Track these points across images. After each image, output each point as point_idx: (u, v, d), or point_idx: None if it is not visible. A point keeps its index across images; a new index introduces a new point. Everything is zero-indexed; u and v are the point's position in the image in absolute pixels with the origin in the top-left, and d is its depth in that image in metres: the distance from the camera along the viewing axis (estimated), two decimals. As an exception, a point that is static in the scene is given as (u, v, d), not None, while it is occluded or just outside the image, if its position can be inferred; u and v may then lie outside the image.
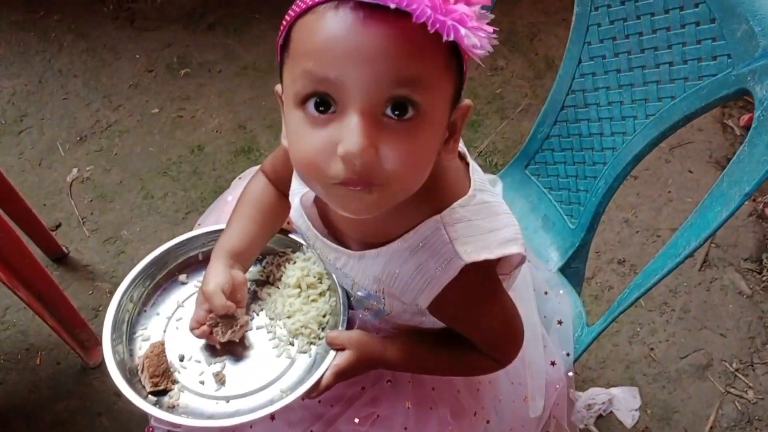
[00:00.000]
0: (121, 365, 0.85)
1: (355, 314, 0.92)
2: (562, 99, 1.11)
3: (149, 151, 1.98)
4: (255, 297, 0.96)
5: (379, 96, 0.60)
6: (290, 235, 0.99)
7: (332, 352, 0.86)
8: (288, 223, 0.99)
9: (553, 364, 1.03)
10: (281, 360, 0.90)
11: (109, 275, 1.76)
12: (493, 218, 0.78)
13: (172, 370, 0.88)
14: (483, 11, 0.60)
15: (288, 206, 0.95)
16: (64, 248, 1.78)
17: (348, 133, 0.60)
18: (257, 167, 1.04)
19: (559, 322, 1.06)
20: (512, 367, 0.91)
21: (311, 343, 0.91)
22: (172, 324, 0.93)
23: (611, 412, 1.57)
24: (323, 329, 0.91)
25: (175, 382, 0.87)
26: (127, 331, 0.90)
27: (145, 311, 0.94)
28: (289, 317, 0.92)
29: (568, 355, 1.05)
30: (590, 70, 1.05)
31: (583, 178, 1.12)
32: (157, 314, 0.94)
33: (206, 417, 0.83)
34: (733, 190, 0.79)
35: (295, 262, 0.97)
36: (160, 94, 2.09)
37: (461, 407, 0.96)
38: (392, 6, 0.56)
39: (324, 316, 0.92)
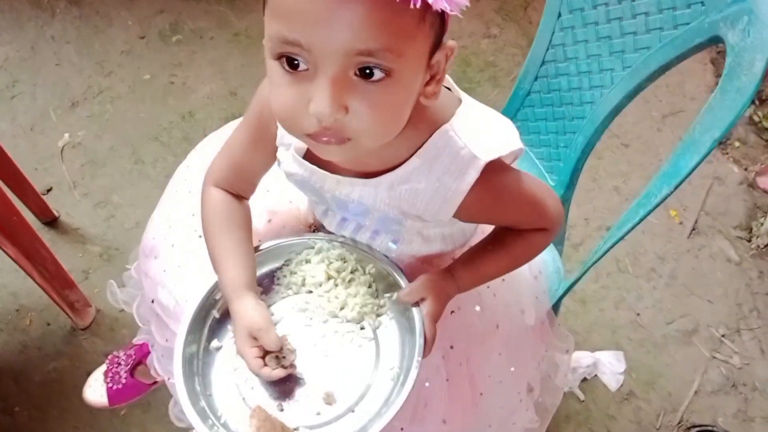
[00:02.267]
0: None
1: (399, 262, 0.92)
2: (542, 54, 1.10)
3: (140, 117, 1.98)
4: (295, 312, 0.91)
5: (347, 62, 0.63)
6: (280, 243, 0.95)
7: (415, 310, 0.85)
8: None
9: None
10: (365, 346, 0.87)
11: (100, 239, 1.77)
12: (490, 120, 0.83)
13: (284, 421, 0.82)
14: None
15: (248, 207, 0.96)
16: (55, 212, 1.79)
17: (318, 94, 0.64)
18: (196, 153, 1.07)
19: (535, 278, 1.07)
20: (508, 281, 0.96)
21: (378, 315, 0.89)
22: (244, 389, 0.86)
23: (596, 375, 1.58)
24: (379, 297, 0.90)
25: (296, 429, 0.82)
26: (215, 419, 0.83)
27: (210, 395, 0.86)
28: (343, 308, 0.89)
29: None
30: (569, 24, 1.05)
31: (563, 134, 1.12)
32: (224, 390, 0.86)
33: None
34: (705, 136, 0.79)
35: (308, 261, 0.93)
36: (151, 60, 2.08)
37: (478, 327, 0.99)
38: None
39: (370, 287, 0.91)
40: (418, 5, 0.59)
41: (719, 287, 1.73)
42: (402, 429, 0.92)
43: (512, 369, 1.01)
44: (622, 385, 1.57)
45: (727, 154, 1.97)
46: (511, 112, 1.21)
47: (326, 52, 0.62)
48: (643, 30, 0.93)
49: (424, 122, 0.77)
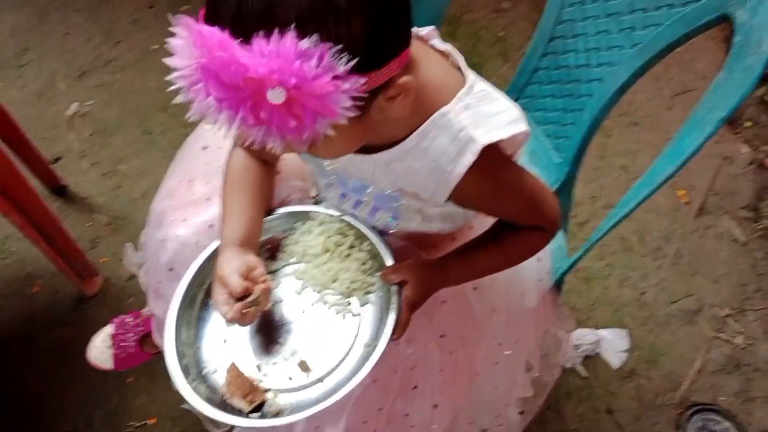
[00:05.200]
0: (213, 403, 0.83)
1: (393, 243, 0.93)
2: (551, 30, 1.09)
3: (149, 87, 1.98)
4: (293, 280, 0.94)
5: None
6: (292, 210, 0.98)
7: (394, 288, 0.87)
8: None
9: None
10: (349, 321, 0.90)
11: (107, 208, 1.78)
12: (495, 102, 0.80)
13: (257, 382, 0.87)
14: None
15: (272, 172, 0.96)
16: (63, 181, 1.80)
17: None
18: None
19: (539, 260, 1.07)
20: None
21: (367, 292, 0.91)
22: (231, 344, 0.91)
23: (598, 353, 1.59)
24: (370, 275, 0.92)
25: (266, 391, 0.86)
26: (196, 372, 0.88)
27: (199, 348, 0.91)
28: (335, 281, 0.92)
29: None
30: (579, -1, 1.04)
31: (570, 111, 1.11)
32: (212, 344, 0.92)
33: (314, 404, 0.81)
34: (710, 115, 0.79)
35: (311, 232, 0.96)
36: (160, 30, 2.08)
37: (474, 312, 0.99)
38: None
39: (365, 264, 0.92)
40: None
41: (724, 267, 1.73)
42: (381, 409, 0.93)
43: (508, 352, 1.02)
44: (624, 363, 1.58)
45: (739, 134, 1.95)
46: (518, 87, 1.20)
47: None
48: (653, 7, 0.92)
49: (424, 103, 0.76)
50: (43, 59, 2.04)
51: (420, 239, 0.98)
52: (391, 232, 0.95)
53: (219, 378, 0.88)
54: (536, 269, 1.06)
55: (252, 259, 0.88)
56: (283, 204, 1.01)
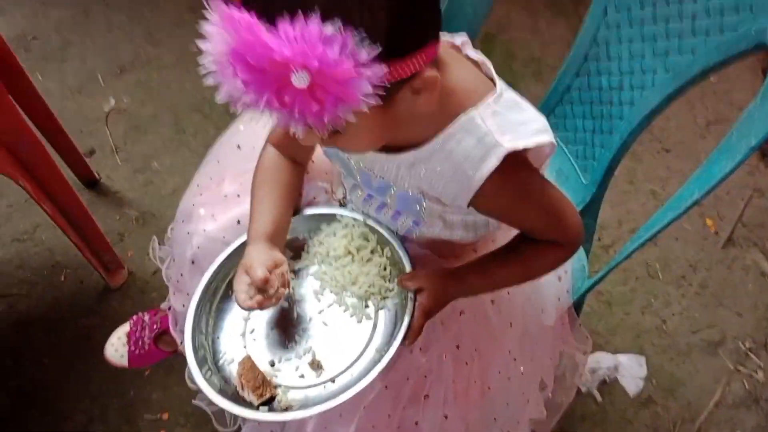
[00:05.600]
0: (225, 394, 0.85)
1: (413, 251, 0.94)
2: (585, 50, 1.09)
3: (185, 87, 2.01)
4: (312, 279, 0.97)
5: None
6: (318, 212, 1.00)
7: (410, 295, 0.87)
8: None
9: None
10: (364, 324, 0.91)
11: (137, 203, 1.81)
12: (523, 112, 0.81)
13: (269, 377, 0.88)
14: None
15: (302, 172, 0.98)
16: (96, 174, 1.84)
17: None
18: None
19: (560, 279, 1.07)
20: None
21: (384, 297, 0.92)
22: (248, 338, 0.93)
23: (616, 378, 1.57)
24: (389, 281, 0.93)
25: (277, 386, 0.88)
26: (212, 362, 0.91)
27: (218, 338, 0.94)
28: (354, 284, 0.93)
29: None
30: (615, 21, 1.04)
31: (600, 133, 1.11)
32: (230, 335, 0.94)
33: (322, 403, 0.83)
34: (741, 143, 0.78)
35: (335, 234, 0.97)
36: (199, 33, 2.10)
37: (490, 324, 0.99)
38: None
39: (385, 269, 0.94)
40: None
41: (749, 300, 1.70)
42: (391, 415, 0.93)
43: (522, 368, 1.01)
44: (641, 391, 1.56)
45: (770, 166, 1.93)
46: (549, 106, 1.20)
47: None
48: (689, 33, 0.92)
49: (452, 104, 0.77)
50: (85, 55, 2.08)
51: (442, 247, 0.99)
52: (413, 237, 0.96)
53: (233, 369, 0.90)
54: (556, 287, 1.05)
55: (278, 255, 0.90)
56: (309, 205, 1.02)
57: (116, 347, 1.45)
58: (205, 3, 0.61)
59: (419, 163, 0.82)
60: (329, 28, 0.57)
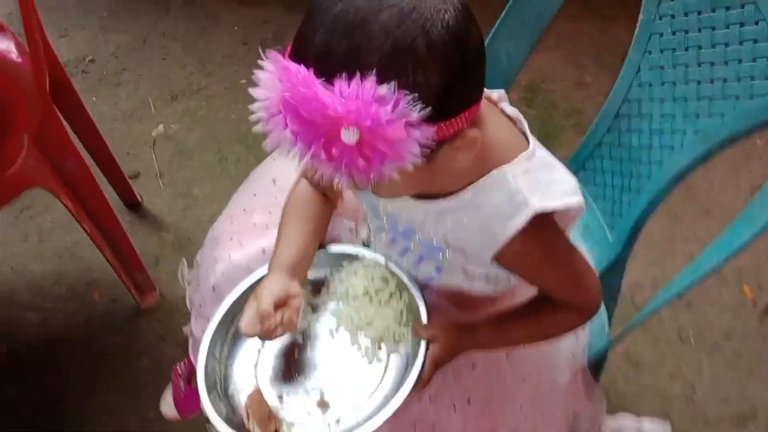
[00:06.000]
0: (231, 423, 0.86)
1: (430, 299, 0.94)
2: (618, 106, 1.09)
3: (231, 118, 2.07)
4: (329, 316, 0.97)
5: None
6: (341, 250, 1.00)
7: (423, 344, 0.87)
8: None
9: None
10: (375, 367, 0.91)
11: (175, 227, 1.86)
12: (554, 172, 0.82)
13: (275, 411, 0.89)
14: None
15: (331, 208, 1.00)
16: (138, 197, 1.89)
17: None
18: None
19: (576, 336, 1.05)
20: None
21: (398, 342, 0.92)
22: (259, 368, 0.94)
23: (638, 443, 1.52)
24: (405, 326, 0.93)
25: (282, 421, 0.88)
26: (221, 389, 0.92)
27: (231, 366, 0.95)
28: (368, 325, 0.93)
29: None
30: (648, 79, 1.04)
31: (628, 191, 1.10)
32: (242, 365, 0.95)
33: None
34: (763, 212, 0.77)
35: (356, 273, 0.97)
36: (250, 66, 2.12)
37: (503, 379, 0.99)
38: None
39: (401, 314, 0.93)
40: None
41: (786, 374, 1.64)
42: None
43: (533, 425, 0.99)
44: (663, 458, 1.51)
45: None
46: (580, 160, 1.20)
47: None
48: (719, 96, 0.91)
49: (486, 159, 0.77)
50: (139, 80, 2.17)
51: (460, 298, 0.98)
52: (433, 285, 0.96)
53: (242, 398, 0.90)
54: (572, 345, 1.04)
55: (295, 287, 0.91)
56: (333, 241, 1.04)
57: (167, 400, 1.47)
58: (261, 53, 0.63)
59: (447, 213, 0.83)
60: (383, 88, 0.58)
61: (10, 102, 1.22)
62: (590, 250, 1.18)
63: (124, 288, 1.66)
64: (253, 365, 0.94)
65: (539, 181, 0.78)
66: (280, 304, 0.87)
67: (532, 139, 0.82)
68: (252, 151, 1.99)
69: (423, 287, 0.94)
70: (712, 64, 0.92)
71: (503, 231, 0.78)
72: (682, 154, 0.98)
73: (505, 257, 0.82)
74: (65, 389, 1.56)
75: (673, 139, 1.00)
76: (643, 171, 1.06)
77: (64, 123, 1.51)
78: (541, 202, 0.76)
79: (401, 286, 0.94)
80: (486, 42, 1.12)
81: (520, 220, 0.76)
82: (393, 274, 0.95)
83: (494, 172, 0.77)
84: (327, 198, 1.00)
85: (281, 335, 0.88)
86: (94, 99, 2.09)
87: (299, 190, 1.00)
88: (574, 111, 2.12)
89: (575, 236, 1.20)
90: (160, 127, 2.06)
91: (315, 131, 0.60)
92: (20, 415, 1.53)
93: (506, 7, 1.11)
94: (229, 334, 0.96)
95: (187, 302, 1.20)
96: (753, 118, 0.86)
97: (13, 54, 1.26)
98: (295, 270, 0.92)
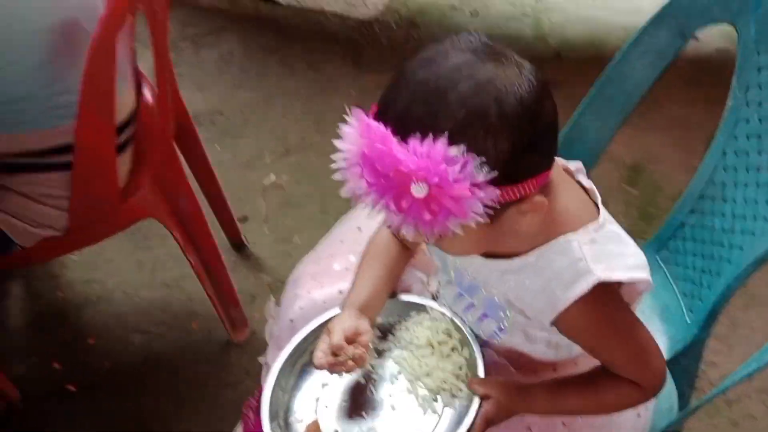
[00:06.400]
0: None
1: (489, 358, 0.97)
2: (701, 188, 1.10)
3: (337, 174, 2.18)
4: (392, 362, 1.01)
5: None
6: (411, 300, 1.05)
7: (476, 400, 0.90)
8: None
9: None
10: (428, 417, 0.94)
11: (273, 270, 1.96)
12: (622, 245, 0.83)
13: None
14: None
15: (408, 257, 1.05)
16: (244, 239, 2.02)
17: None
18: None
19: (639, 415, 1.03)
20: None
21: (454, 395, 0.95)
22: (321, 403, 0.98)
23: None
24: (462, 381, 0.95)
25: None
26: (282, 419, 0.96)
27: (294, 396, 1.00)
28: (428, 376, 0.96)
29: None
30: (733, 163, 1.04)
31: (708, 274, 1.09)
32: (306, 397, 0.99)
33: None
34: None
35: (422, 324, 1.01)
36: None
37: None
38: None
39: (461, 368, 0.96)
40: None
41: None
42: None
43: None
44: None
45: None
46: (662, 240, 1.20)
47: None
48: (802, 185, 0.91)
49: (553, 226, 0.80)
50: (259, 134, 2.33)
51: (521, 360, 1.00)
52: (494, 343, 0.98)
53: (301, 429, 0.95)
54: (632, 422, 1.02)
55: (364, 324, 0.95)
56: (405, 291, 1.09)
57: None
58: (347, 109, 0.72)
59: (510, 273, 0.85)
60: (454, 150, 0.65)
61: (144, 141, 1.38)
62: (667, 330, 1.16)
63: (220, 322, 1.76)
64: (315, 399, 0.99)
65: (605, 251, 0.80)
66: (350, 340, 0.92)
67: (603, 211, 0.84)
68: (352, 206, 2.08)
69: (484, 345, 0.97)
70: (796, 153, 0.92)
71: (564, 296, 0.80)
72: (764, 241, 0.97)
73: (564, 323, 0.83)
74: (156, 410, 1.67)
75: (754, 225, 0.99)
76: (724, 254, 1.06)
77: (186, 166, 1.68)
78: (605, 272, 0.78)
79: (464, 341, 0.97)
80: (575, 117, 1.16)
81: (581, 287, 0.78)
82: (457, 328, 0.99)
83: (560, 238, 0.80)
84: (405, 248, 1.06)
85: (350, 370, 0.93)
86: (218, 148, 2.26)
87: (380, 237, 1.06)
88: (679, 195, 2.08)
89: (653, 315, 1.19)
90: (272, 177, 2.20)
91: (388, 184, 0.67)
92: (114, 429, 1.65)
93: (594, 87, 1.15)
94: (297, 365, 1.02)
95: (266, 334, 1.27)
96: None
97: (150, 102, 1.42)
98: (366, 310, 0.98)
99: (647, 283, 0.82)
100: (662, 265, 1.20)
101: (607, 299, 0.81)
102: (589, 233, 0.80)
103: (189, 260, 1.57)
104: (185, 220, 1.53)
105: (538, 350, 0.96)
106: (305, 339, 1.02)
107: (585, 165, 1.21)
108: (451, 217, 0.67)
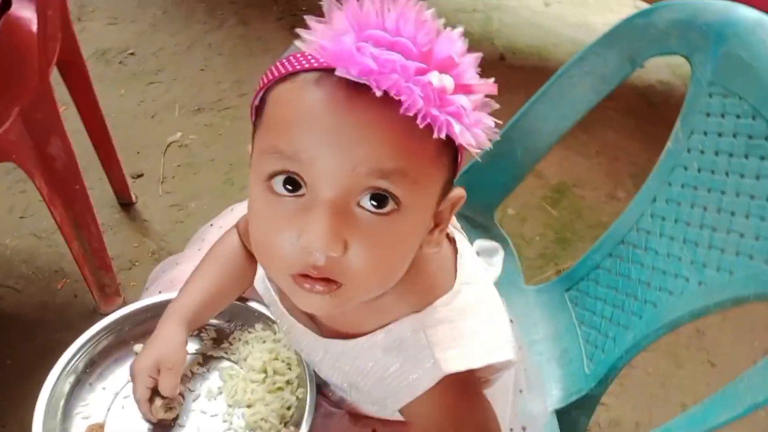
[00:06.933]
0: None
1: (325, 409, 0.84)
2: (624, 233, 1.00)
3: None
4: (217, 378, 0.86)
5: (354, 185, 0.55)
6: (261, 311, 0.89)
7: None
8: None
9: None
10: None
11: (160, 237, 1.80)
12: (480, 319, 0.70)
13: None
14: (487, 100, 0.54)
15: (255, 268, 0.89)
16: (133, 196, 1.85)
17: (313, 223, 0.55)
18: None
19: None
20: None
21: None
22: (118, 402, 0.81)
23: None
24: (285, 425, 0.80)
25: None
26: (63, 406, 0.80)
27: (90, 384, 0.83)
28: (249, 406, 0.81)
29: None
30: (662, 212, 0.94)
31: (616, 325, 1.00)
32: (103, 388, 0.82)
33: None
34: (747, 396, 0.67)
35: (264, 342, 0.86)
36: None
37: None
38: (378, 93, 0.51)
39: (288, 409, 0.81)
40: (443, 136, 0.52)
41: None
42: None
43: None
44: None
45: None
46: (573, 278, 1.10)
47: (330, 169, 0.54)
48: (732, 251, 0.81)
49: (405, 296, 0.67)
50: (171, 84, 2.14)
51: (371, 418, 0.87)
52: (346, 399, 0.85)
53: (83, 426, 0.79)
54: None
55: (178, 354, 0.79)
56: (257, 300, 0.91)
57: None
58: None
59: (350, 354, 0.72)
60: None
61: (10, 70, 1.18)
62: (563, 376, 1.07)
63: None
64: (114, 392, 0.82)
65: (459, 332, 0.68)
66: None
67: (460, 272, 0.71)
68: (259, 181, 1.93)
69: (321, 392, 0.84)
70: (732, 213, 0.82)
71: (408, 389, 0.68)
72: (680, 303, 0.88)
73: (406, 411, 0.71)
74: (3, 376, 1.49)
75: (674, 284, 0.90)
76: (636, 308, 0.96)
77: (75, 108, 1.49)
78: (455, 362, 0.66)
79: (301, 381, 0.82)
80: (502, 132, 1.04)
81: (425, 384, 0.67)
82: (299, 362, 0.83)
83: (405, 320, 0.67)
84: (253, 258, 0.89)
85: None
86: (122, 92, 2.07)
87: (228, 239, 0.90)
88: (598, 224, 2.02)
89: (552, 358, 1.10)
90: (178, 134, 2.02)
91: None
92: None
93: (528, 102, 1.04)
94: (104, 348, 0.86)
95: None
96: (763, 286, 0.76)
97: (29, 26, 1.22)
98: (193, 321, 0.83)
99: (509, 362, 0.70)
100: (569, 305, 1.11)
101: (457, 389, 0.68)
102: (438, 311, 0.68)
103: (52, 213, 1.37)
104: (53, 168, 1.33)
105: (395, 415, 0.83)
106: (122, 319, 0.86)
107: (510, 183, 1.11)
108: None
